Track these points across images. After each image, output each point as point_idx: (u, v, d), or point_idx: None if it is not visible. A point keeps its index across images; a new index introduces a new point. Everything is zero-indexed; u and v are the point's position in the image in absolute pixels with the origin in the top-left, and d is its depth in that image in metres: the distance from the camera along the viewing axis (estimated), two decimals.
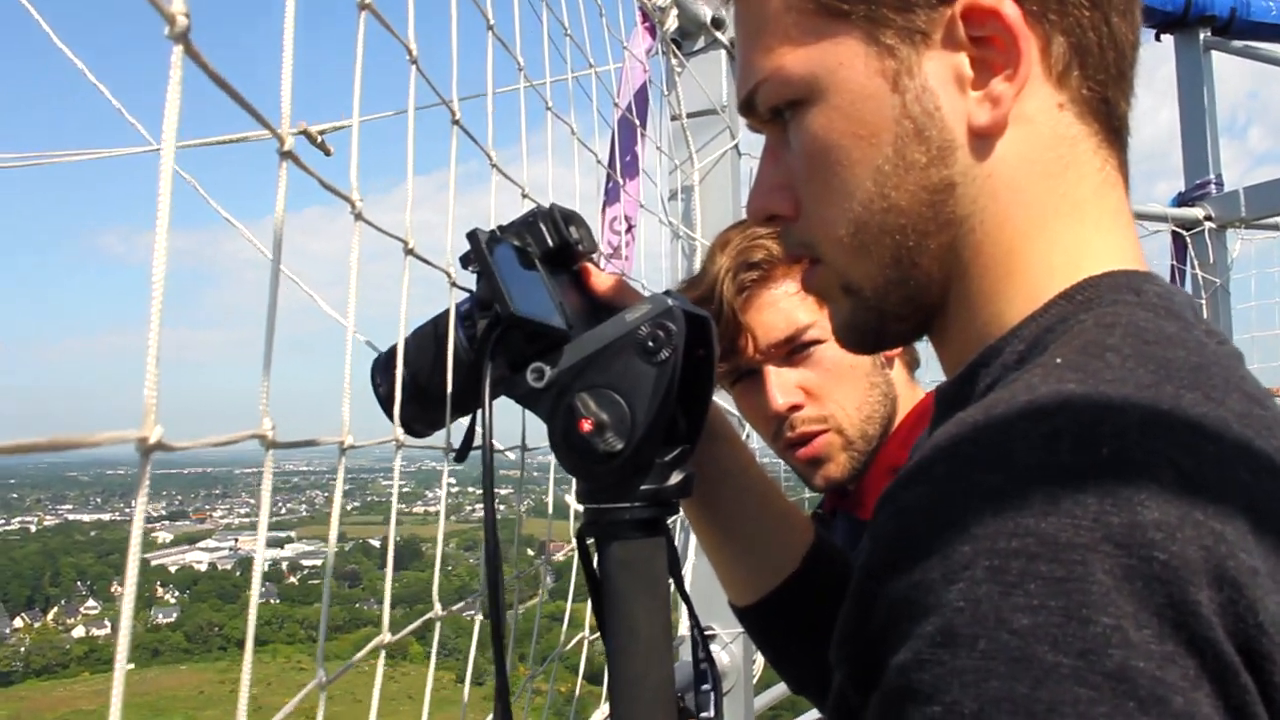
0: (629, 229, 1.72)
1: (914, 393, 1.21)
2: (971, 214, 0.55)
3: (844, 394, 1.12)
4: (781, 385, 1.12)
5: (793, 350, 1.12)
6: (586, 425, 0.66)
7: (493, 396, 0.68)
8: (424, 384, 0.73)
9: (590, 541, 0.72)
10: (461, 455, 0.72)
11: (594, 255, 0.78)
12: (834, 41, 0.55)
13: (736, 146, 1.94)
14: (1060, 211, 0.55)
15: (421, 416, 0.74)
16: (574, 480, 0.72)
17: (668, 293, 0.72)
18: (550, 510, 1.14)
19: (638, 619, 0.69)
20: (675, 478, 0.71)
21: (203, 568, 59.31)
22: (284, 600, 52.92)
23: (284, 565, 58.85)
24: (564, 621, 1.21)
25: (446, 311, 0.74)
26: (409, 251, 0.76)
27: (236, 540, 63.54)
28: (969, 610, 0.39)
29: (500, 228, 0.73)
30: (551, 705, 1.17)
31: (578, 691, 1.25)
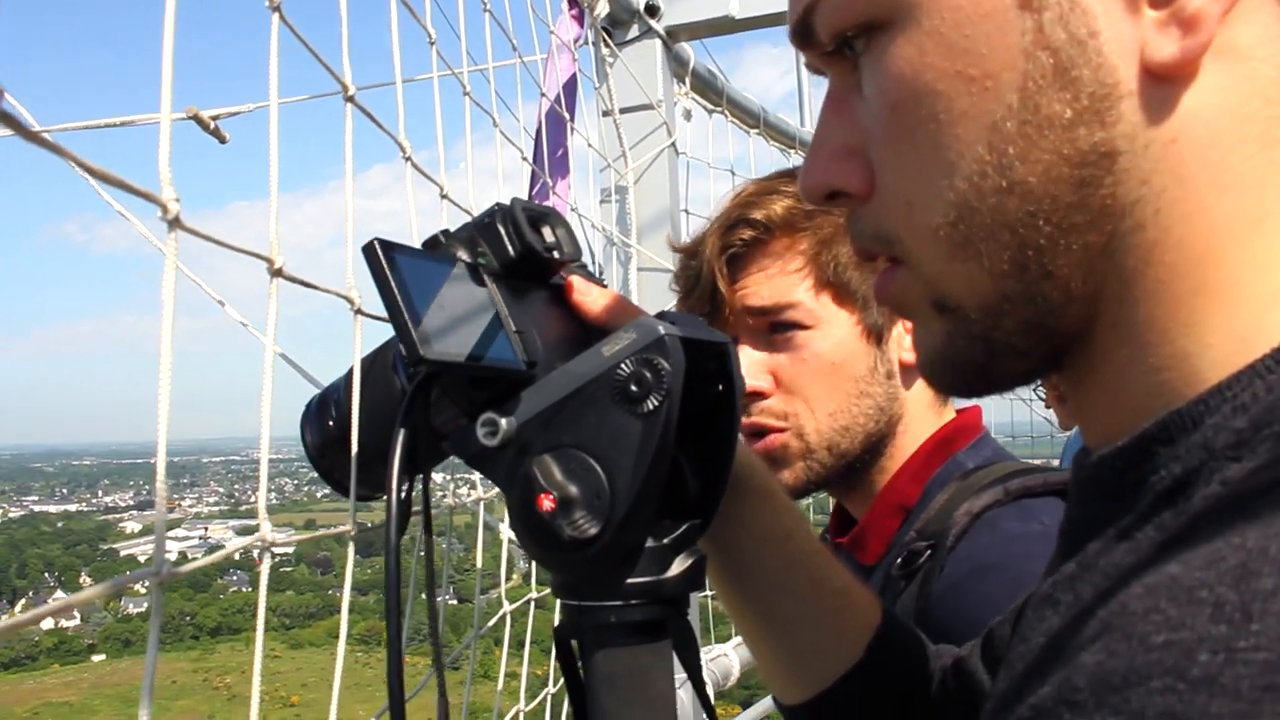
0: None
1: (938, 415, 1.00)
2: (1142, 200, 0.36)
3: (817, 393, 0.95)
4: (749, 365, 0.96)
5: (774, 327, 0.96)
6: (547, 503, 0.50)
7: (437, 459, 0.54)
8: (362, 437, 0.59)
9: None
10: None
11: (578, 263, 0.62)
12: None
13: (674, 145, 1.78)
14: None
15: (363, 478, 0.60)
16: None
17: (663, 315, 0.54)
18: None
19: None
20: (677, 567, 0.54)
21: (172, 557, 58.09)
22: (256, 588, 53.11)
23: (254, 552, 58.81)
24: (521, 606, 1.15)
25: (380, 348, 0.59)
26: (276, 272, 0.58)
27: (206, 529, 63.77)
28: None
29: (445, 233, 0.57)
30: (528, 688, 1.12)
31: (551, 672, 1.14)
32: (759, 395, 0.96)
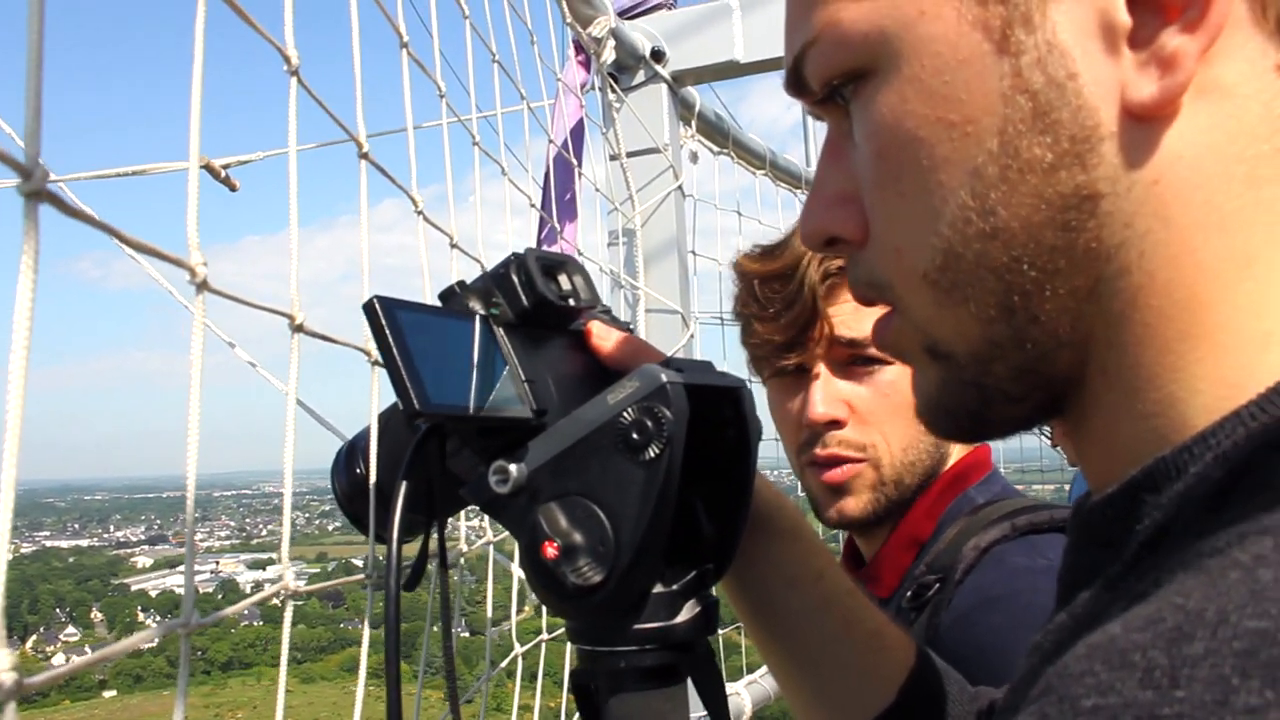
0: None
1: (962, 451, 1.03)
2: (1126, 243, 0.36)
3: (894, 428, 0.98)
4: (828, 394, 0.98)
5: (855, 359, 0.98)
6: (550, 550, 0.50)
7: (458, 506, 0.55)
8: (384, 484, 0.59)
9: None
10: (411, 583, 0.56)
11: (601, 308, 0.63)
12: None
13: (680, 188, 1.80)
14: (1275, 241, 0.35)
15: (388, 522, 0.56)
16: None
17: (669, 361, 0.54)
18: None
19: None
20: (687, 613, 0.54)
21: (179, 591, 59.23)
22: (268, 622, 53.14)
23: (266, 586, 58.73)
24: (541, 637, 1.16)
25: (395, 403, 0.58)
26: (298, 328, 0.60)
27: (218, 563, 63.72)
28: None
29: (461, 284, 0.57)
30: None
31: (563, 705, 1.16)
32: (835, 424, 0.98)
